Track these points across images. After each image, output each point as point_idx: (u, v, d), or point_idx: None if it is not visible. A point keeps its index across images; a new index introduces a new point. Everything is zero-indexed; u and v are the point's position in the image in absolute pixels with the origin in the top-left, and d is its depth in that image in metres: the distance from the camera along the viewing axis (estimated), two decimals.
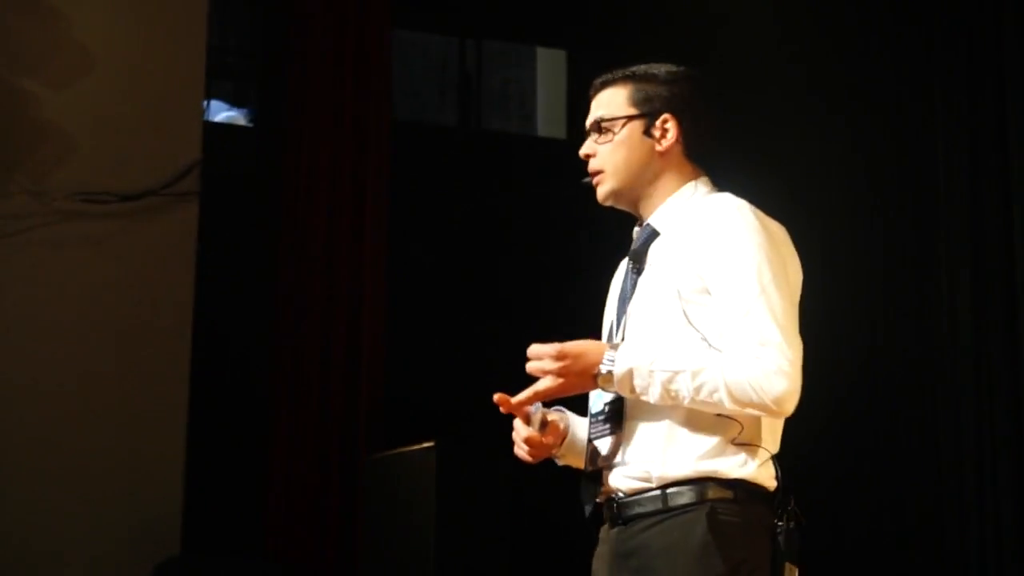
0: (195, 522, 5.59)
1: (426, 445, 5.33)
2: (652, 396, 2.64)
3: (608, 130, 2.86)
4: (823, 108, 6.93)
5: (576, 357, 2.68)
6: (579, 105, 7.46)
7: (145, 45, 5.84)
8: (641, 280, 2.82)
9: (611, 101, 2.89)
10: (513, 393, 2.77)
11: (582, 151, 2.91)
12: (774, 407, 2.60)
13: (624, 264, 2.96)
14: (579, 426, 2.89)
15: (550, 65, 7.57)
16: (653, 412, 2.70)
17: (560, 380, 2.69)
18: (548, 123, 7.55)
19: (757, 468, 2.67)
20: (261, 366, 5.98)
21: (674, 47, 6.93)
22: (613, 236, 6.98)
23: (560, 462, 2.93)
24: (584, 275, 7.00)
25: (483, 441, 6.12)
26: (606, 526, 2.80)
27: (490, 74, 7.39)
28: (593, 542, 2.88)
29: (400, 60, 6.84)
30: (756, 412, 2.62)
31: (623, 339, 2.78)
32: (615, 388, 2.67)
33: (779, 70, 6.95)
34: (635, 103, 2.86)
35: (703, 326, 2.68)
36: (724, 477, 2.66)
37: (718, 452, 2.67)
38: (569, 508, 6.58)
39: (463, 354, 6.64)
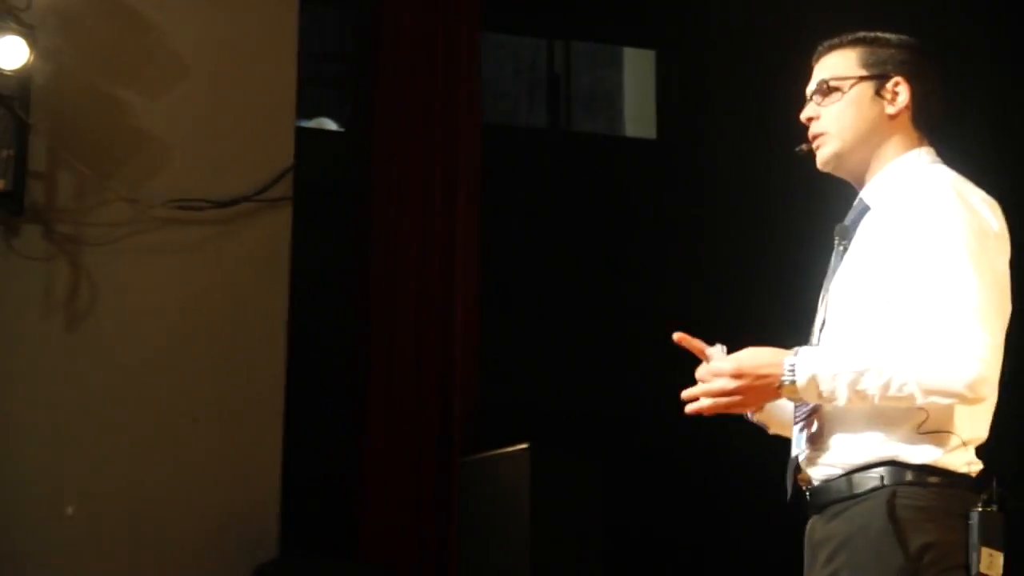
0: (292, 525, 5.62)
1: (521, 447, 5.33)
2: (840, 399, 2.56)
3: (836, 90, 2.79)
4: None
5: (755, 373, 2.61)
6: (668, 105, 7.46)
7: (237, 52, 5.88)
8: (846, 257, 2.74)
9: (839, 64, 2.82)
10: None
11: (804, 114, 2.84)
12: (968, 393, 2.50)
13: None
14: None
15: (638, 65, 7.55)
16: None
17: (739, 398, 2.64)
18: (636, 123, 7.53)
19: (946, 454, 2.59)
20: (355, 369, 6.01)
21: (765, 44, 6.95)
22: (705, 235, 6.97)
23: (771, 431, 2.91)
24: (677, 274, 7.00)
25: (578, 443, 6.13)
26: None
27: (578, 75, 7.38)
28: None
29: (489, 63, 6.84)
30: (949, 400, 2.53)
31: (824, 320, 2.72)
32: (800, 397, 2.61)
33: None
34: (866, 64, 2.80)
35: (902, 307, 2.59)
36: (907, 462, 2.59)
37: (903, 439, 2.60)
38: (664, 511, 6.55)
39: (557, 356, 6.64)
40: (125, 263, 5.61)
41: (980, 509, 2.55)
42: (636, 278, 6.96)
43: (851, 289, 2.68)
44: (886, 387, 2.52)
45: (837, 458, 2.65)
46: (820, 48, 2.88)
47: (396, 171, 6.13)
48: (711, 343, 2.81)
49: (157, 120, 5.73)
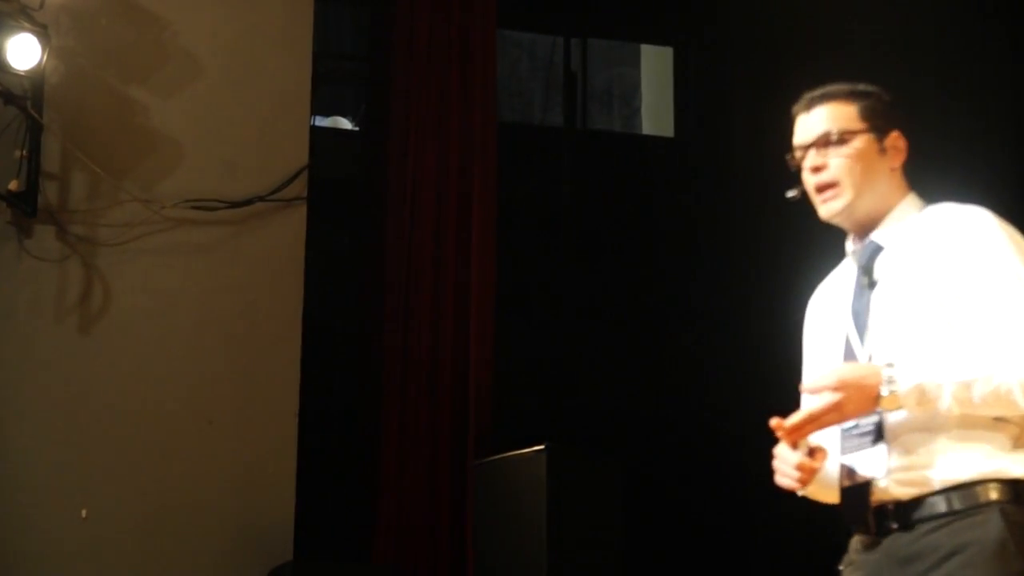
0: (307, 528, 5.59)
1: (536, 449, 5.28)
2: (940, 407, 2.63)
3: (843, 142, 2.85)
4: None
5: (856, 385, 2.66)
6: (685, 102, 7.41)
7: (251, 52, 5.86)
8: (877, 294, 2.81)
9: (839, 116, 2.88)
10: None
11: (810, 163, 2.88)
12: None
13: (837, 280, 2.97)
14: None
15: (655, 63, 7.50)
16: (917, 419, 2.69)
17: (841, 411, 2.67)
18: (654, 121, 7.48)
19: None
20: (370, 370, 5.97)
21: (781, 42, 6.90)
22: (721, 235, 6.92)
23: (802, 492, 2.89)
24: (696, 275, 6.96)
25: (594, 444, 6.09)
26: (861, 537, 2.78)
27: (595, 73, 7.33)
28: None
29: (505, 60, 6.80)
30: None
31: (871, 355, 2.77)
32: (899, 407, 2.66)
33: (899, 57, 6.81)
34: (867, 118, 2.88)
35: (965, 334, 2.67)
36: (1007, 477, 2.65)
37: (999, 454, 2.67)
38: (683, 512, 6.51)
39: (573, 357, 6.60)
40: (139, 264, 5.58)
41: None
42: (654, 277, 6.92)
43: (905, 323, 2.73)
44: (992, 394, 2.60)
45: (929, 475, 2.68)
46: (807, 97, 2.93)
47: (411, 170, 6.09)
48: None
49: (170, 120, 5.70)
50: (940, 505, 2.66)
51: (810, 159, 2.87)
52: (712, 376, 6.70)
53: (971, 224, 2.76)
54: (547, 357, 6.60)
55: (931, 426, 2.68)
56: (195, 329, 5.59)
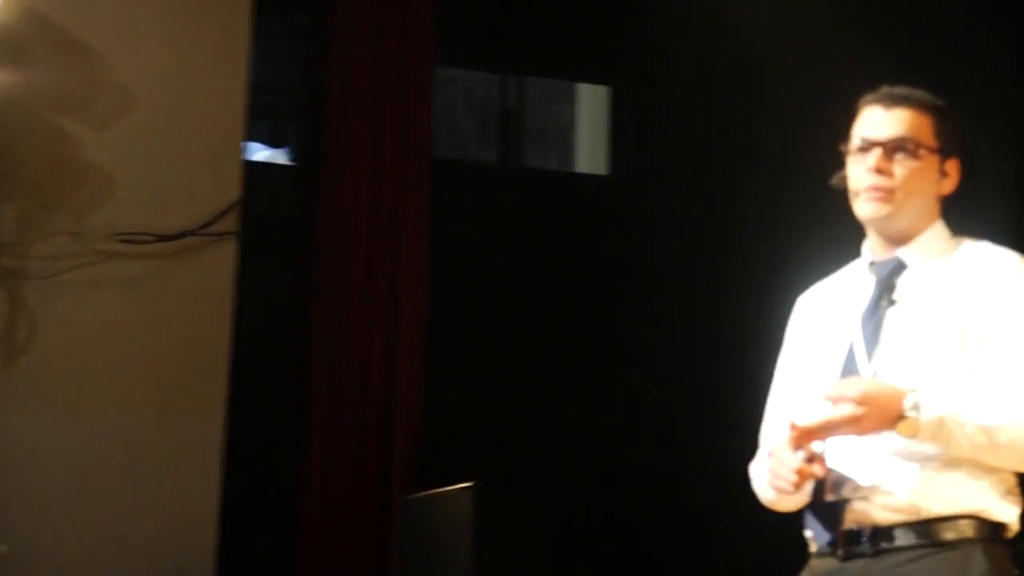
0: (229, 566, 5.56)
1: (463, 486, 5.28)
2: (951, 445, 2.61)
3: (913, 155, 2.82)
4: None
5: (880, 404, 2.62)
6: (621, 141, 7.45)
7: (186, 85, 5.84)
8: (895, 313, 2.78)
9: (917, 125, 2.84)
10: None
11: (876, 163, 2.82)
12: None
13: (844, 285, 2.93)
14: None
15: (592, 101, 7.55)
16: (918, 445, 2.65)
17: (858, 425, 2.63)
18: (589, 159, 7.53)
19: (1017, 516, 2.69)
20: (297, 406, 5.96)
21: (719, 83, 6.96)
22: (653, 273, 6.96)
23: (770, 498, 2.87)
24: (628, 313, 6.99)
25: (524, 482, 6.09)
26: (829, 560, 2.72)
27: (531, 111, 7.37)
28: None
29: (441, 97, 6.82)
30: None
31: (876, 372, 2.73)
32: (913, 435, 2.62)
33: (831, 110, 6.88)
34: (939, 136, 2.85)
35: (978, 376, 2.67)
36: (992, 519, 2.66)
37: (993, 493, 2.66)
38: (612, 548, 6.52)
39: (505, 396, 6.61)
40: (66, 297, 5.54)
41: None
42: (586, 315, 6.95)
43: (922, 350, 2.71)
44: (1011, 446, 2.60)
45: (917, 503, 2.65)
46: (889, 93, 2.89)
47: (344, 205, 6.09)
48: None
49: (102, 152, 5.67)
50: (920, 535, 2.63)
51: (875, 158, 2.82)
52: (644, 414, 6.73)
53: (1008, 268, 2.75)
54: (479, 395, 6.61)
55: (933, 456, 2.65)
56: (122, 362, 5.54)
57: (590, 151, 7.51)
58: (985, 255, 2.80)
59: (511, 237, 6.90)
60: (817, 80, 6.82)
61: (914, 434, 2.61)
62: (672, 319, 6.90)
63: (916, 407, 2.60)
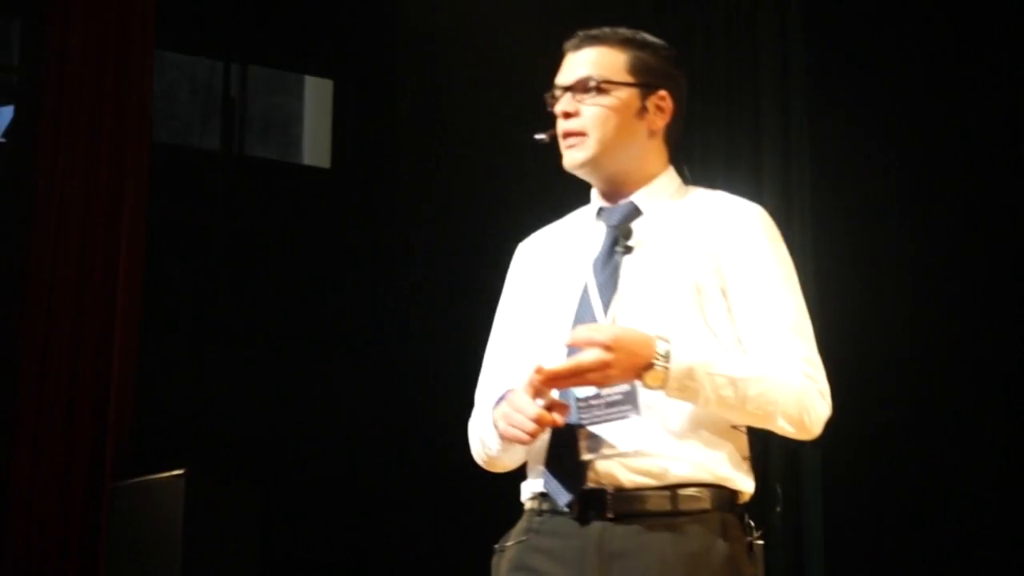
0: None
1: (175, 473, 5.23)
2: (699, 397, 2.50)
3: (602, 91, 2.65)
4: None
5: (628, 350, 2.46)
6: (343, 134, 7.48)
7: None
8: (631, 260, 2.61)
9: (605, 62, 2.68)
10: None
11: (560, 107, 2.68)
12: (815, 430, 2.58)
13: (572, 230, 2.78)
14: None
15: (317, 94, 7.56)
16: (669, 405, 2.53)
17: (605, 371, 2.47)
18: (313, 152, 7.54)
19: (750, 482, 2.63)
20: (4, 391, 5.79)
21: (445, 80, 7.05)
22: (373, 259, 7.02)
23: (489, 454, 2.69)
24: (351, 302, 7.02)
25: (238, 469, 6.07)
26: (563, 519, 2.55)
27: (256, 100, 7.34)
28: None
29: (164, 82, 6.73)
30: (792, 430, 2.56)
31: (615, 319, 2.57)
32: (660, 386, 2.48)
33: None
34: (635, 71, 2.68)
35: (717, 327, 2.59)
36: (735, 488, 2.58)
37: (733, 462, 2.58)
38: (323, 541, 6.55)
39: (223, 383, 6.56)
40: None
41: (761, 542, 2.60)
42: (307, 303, 6.97)
43: (660, 300, 2.59)
44: (753, 399, 2.50)
45: (666, 467, 2.53)
46: (580, 36, 2.73)
47: (59, 185, 5.94)
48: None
49: None
50: (664, 502, 2.52)
51: (564, 102, 2.68)
52: (361, 403, 6.78)
53: (750, 219, 2.65)
54: (196, 382, 6.54)
55: (676, 416, 2.54)
56: None
57: (314, 143, 7.52)
58: (723, 204, 2.69)
59: (231, 225, 6.86)
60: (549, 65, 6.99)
61: (662, 384, 2.48)
62: (394, 307, 6.98)
63: (666, 356, 2.47)
